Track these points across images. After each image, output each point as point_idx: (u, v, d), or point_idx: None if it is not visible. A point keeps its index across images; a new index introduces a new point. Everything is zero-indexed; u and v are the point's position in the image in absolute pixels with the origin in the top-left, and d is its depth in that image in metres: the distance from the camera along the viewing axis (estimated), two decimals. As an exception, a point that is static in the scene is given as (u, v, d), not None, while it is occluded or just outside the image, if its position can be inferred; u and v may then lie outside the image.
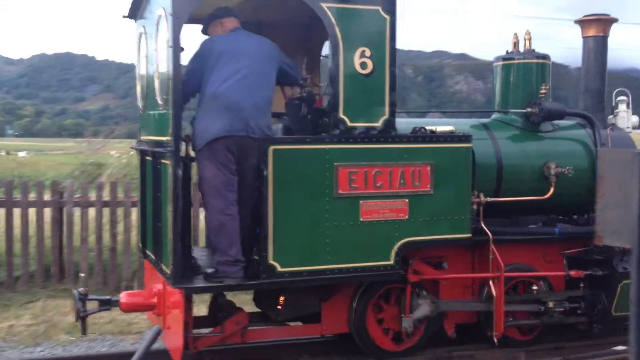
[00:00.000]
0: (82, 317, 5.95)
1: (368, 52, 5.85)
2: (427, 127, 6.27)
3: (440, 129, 6.27)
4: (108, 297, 6.17)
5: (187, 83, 5.58)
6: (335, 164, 5.76)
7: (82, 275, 8.17)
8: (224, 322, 6.07)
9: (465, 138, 6.26)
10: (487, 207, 6.76)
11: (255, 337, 6.40)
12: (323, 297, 6.45)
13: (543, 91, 7.04)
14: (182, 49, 5.51)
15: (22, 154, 45.43)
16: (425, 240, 6.14)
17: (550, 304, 6.79)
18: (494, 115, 7.44)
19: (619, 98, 7.75)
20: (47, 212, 9.71)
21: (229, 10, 5.93)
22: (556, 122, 7.34)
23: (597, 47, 7.57)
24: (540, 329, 7.04)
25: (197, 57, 5.68)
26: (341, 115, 5.81)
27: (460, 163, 6.22)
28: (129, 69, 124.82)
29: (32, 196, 9.67)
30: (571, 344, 7.07)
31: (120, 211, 9.72)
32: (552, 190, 6.91)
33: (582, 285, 7.03)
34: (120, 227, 9.72)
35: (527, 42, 7.31)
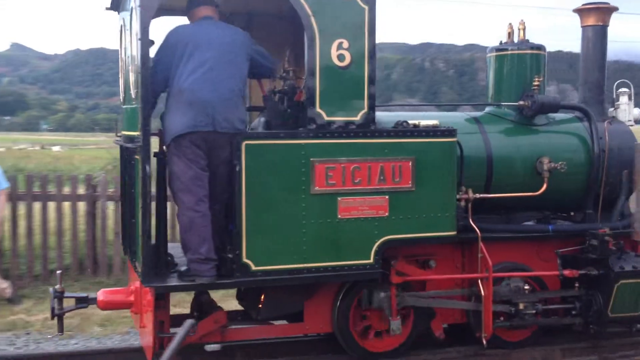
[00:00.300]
0: (57, 315, 5.86)
1: (346, 44, 5.67)
2: (410, 121, 6.07)
3: (424, 122, 6.05)
4: (85, 294, 6.07)
5: (155, 76, 5.44)
6: (311, 159, 5.59)
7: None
8: (201, 321, 5.95)
9: (450, 132, 6.04)
10: (478, 204, 6.55)
11: (235, 336, 6.25)
12: (305, 296, 6.29)
13: (536, 83, 6.78)
14: (152, 42, 5.39)
15: (56, 148, 46.04)
16: (407, 239, 5.94)
17: (521, 306, 6.55)
18: (487, 109, 7.20)
19: (620, 90, 7.46)
20: (81, 206, 9.95)
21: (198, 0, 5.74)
22: (552, 115, 7.09)
23: (596, 37, 7.28)
24: (532, 330, 6.82)
25: (162, 49, 5.51)
26: (318, 109, 5.64)
27: (444, 158, 6.00)
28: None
29: (66, 190, 9.93)
30: (607, 342, 6.98)
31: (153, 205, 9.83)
32: (545, 186, 6.66)
33: (577, 285, 6.78)
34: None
35: (522, 32, 7.06)
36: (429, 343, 6.64)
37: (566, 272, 6.64)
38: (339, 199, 5.69)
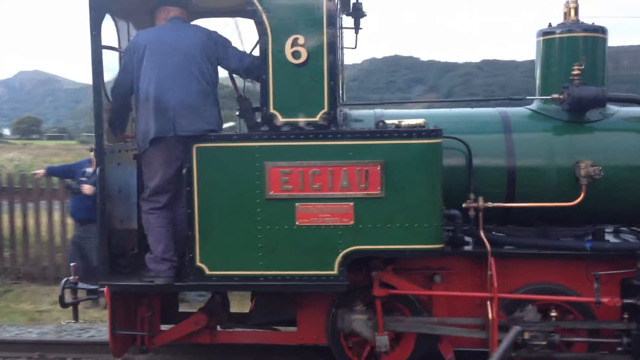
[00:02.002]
0: (71, 304, 6.26)
1: (302, 40, 5.29)
2: (389, 121, 5.47)
3: (406, 122, 5.41)
4: (96, 286, 6.44)
5: (121, 81, 5.58)
6: (265, 163, 5.33)
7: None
8: (181, 322, 6.02)
9: (431, 133, 5.33)
10: (501, 215, 5.74)
11: (224, 339, 6.23)
12: (297, 305, 6.03)
13: (576, 72, 5.68)
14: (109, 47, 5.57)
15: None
16: (377, 250, 5.38)
17: (526, 335, 5.51)
18: (534, 103, 6.20)
19: None
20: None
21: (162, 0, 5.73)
22: (613, 110, 5.91)
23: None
24: None
25: (125, 55, 5.60)
26: (271, 110, 5.35)
27: (423, 161, 5.31)
28: (452, 68, 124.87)
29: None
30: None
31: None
32: (582, 195, 5.58)
33: (626, 316, 5.57)
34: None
35: (572, 12, 5.97)
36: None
37: (605, 300, 5.49)
38: (296, 204, 5.35)
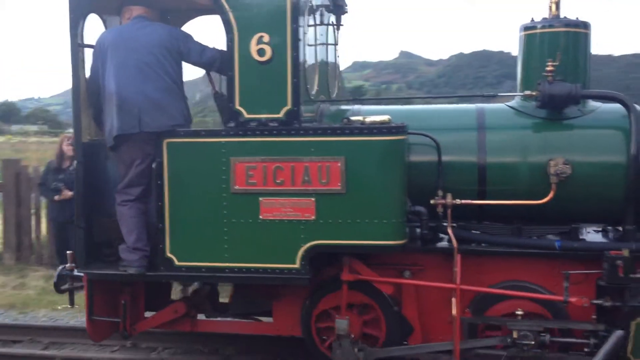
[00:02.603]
0: (68, 290, 6.54)
1: (266, 38, 5.40)
2: (353, 117, 5.53)
3: (371, 118, 5.45)
4: None
5: (90, 79, 5.82)
6: (231, 158, 5.47)
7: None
8: (161, 310, 6.25)
9: (394, 129, 5.35)
10: (472, 212, 5.72)
11: (204, 327, 6.45)
12: (274, 296, 6.16)
13: (549, 68, 5.57)
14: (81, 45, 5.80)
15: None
16: (338, 245, 5.44)
17: (515, 334, 5.44)
18: (515, 100, 6.11)
19: None
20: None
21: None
22: (592, 106, 5.80)
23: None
24: None
25: (93, 53, 5.81)
26: (237, 106, 5.49)
27: (386, 158, 5.33)
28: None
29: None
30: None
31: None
32: (552, 193, 5.49)
33: (594, 317, 5.47)
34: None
35: (554, 7, 5.85)
36: None
37: (572, 300, 5.40)
38: (260, 199, 5.47)
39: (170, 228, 5.61)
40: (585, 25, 5.87)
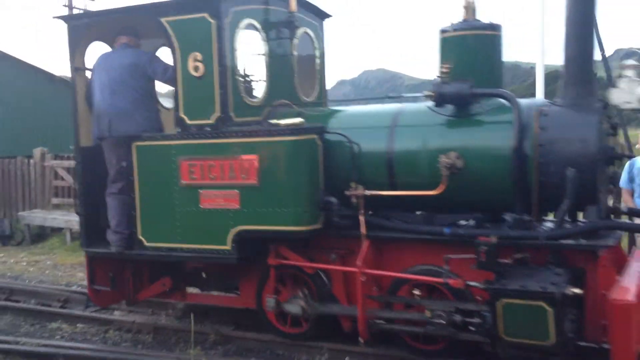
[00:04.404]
0: None
1: (199, 56, 6.49)
2: (272, 121, 6.42)
3: (285, 121, 6.32)
4: None
5: (87, 94, 7.26)
6: (178, 157, 6.63)
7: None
8: (154, 283, 7.56)
9: (296, 131, 6.18)
10: (380, 202, 6.37)
11: (191, 299, 7.72)
12: (241, 274, 7.21)
13: (444, 70, 6.06)
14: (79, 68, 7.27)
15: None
16: (257, 230, 6.37)
17: (428, 313, 6.05)
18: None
19: (624, 62, 5.88)
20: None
21: (121, 30, 7.18)
22: (491, 104, 6.16)
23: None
24: (446, 341, 6.21)
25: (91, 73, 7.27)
26: (181, 114, 6.64)
27: (291, 155, 6.19)
28: None
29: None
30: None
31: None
32: (443, 185, 5.98)
33: (479, 298, 5.90)
34: None
35: (465, 11, 6.28)
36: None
37: (451, 281, 5.90)
38: (200, 191, 6.57)
39: (140, 215, 6.90)
40: (495, 28, 6.23)
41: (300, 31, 7.43)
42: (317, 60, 7.85)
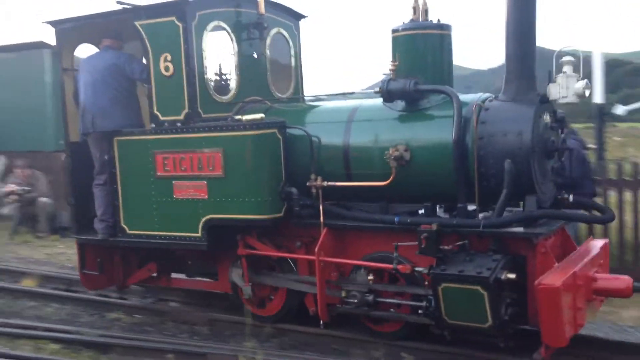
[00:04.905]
0: None
1: (169, 57, 6.95)
2: (237, 116, 6.85)
3: (247, 117, 6.75)
4: None
5: (74, 94, 7.79)
6: (154, 151, 7.12)
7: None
8: (140, 269, 8.10)
9: (255, 125, 6.60)
10: (344, 191, 6.75)
11: (175, 284, 8.22)
12: (217, 261, 7.68)
13: (391, 67, 6.40)
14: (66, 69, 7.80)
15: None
16: (223, 219, 6.84)
17: (343, 293, 6.51)
18: None
19: (562, 59, 6.14)
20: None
21: (104, 33, 7.65)
22: (437, 99, 6.48)
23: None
24: (400, 324, 6.62)
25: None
26: (155, 111, 7.13)
27: (253, 148, 6.63)
28: None
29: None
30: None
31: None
32: (392, 176, 6.35)
33: (426, 283, 6.25)
34: None
35: (414, 12, 6.59)
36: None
37: (399, 267, 6.27)
38: (173, 182, 7.06)
39: (122, 205, 7.43)
40: (443, 27, 6.55)
41: (273, 31, 7.84)
42: (293, 59, 8.25)
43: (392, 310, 6.58)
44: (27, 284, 9.44)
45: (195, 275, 8.16)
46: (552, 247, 6.16)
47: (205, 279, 8.15)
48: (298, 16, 8.28)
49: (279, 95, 8.00)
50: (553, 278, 5.58)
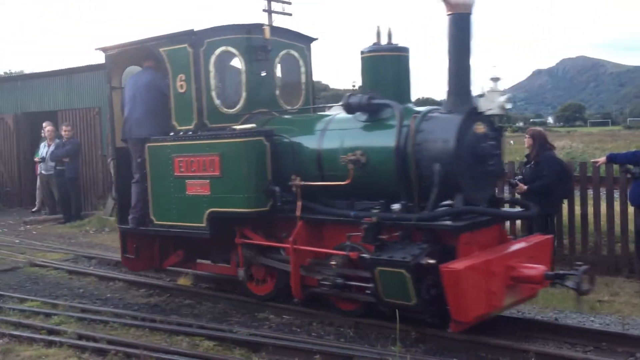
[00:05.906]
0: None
1: (183, 77, 8.45)
2: (234, 126, 8.22)
3: (240, 127, 8.12)
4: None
5: (122, 106, 9.43)
6: (172, 155, 8.63)
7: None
8: (170, 255, 9.62)
9: (242, 134, 7.95)
10: (318, 190, 7.95)
11: (200, 268, 9.66)
12: (230, 248, 9.05)
13: (353, 85, 7.56)
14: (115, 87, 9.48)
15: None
16: (221, 212, 8.21)
17: (320, 277, 7.60)
18: None
19: (492, 76, 7.08)
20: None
21: (146, 55, 9.22)
22: (391, 112, 7.52)
23: (458, 24, 7.14)
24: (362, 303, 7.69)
25: None
26: (173, 122, 8.63)
27: (243, 154, 7.96)
28: None
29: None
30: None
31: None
32: (349, 178, 7.47)
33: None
34: None
35: (377, 36, 7.68)
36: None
37: (350, 254, 7.37)
38: (186, 181, 8.52)
39: (152, 199, 8.98)
40: (401, 50, 7.62)
41: (282, 52, 9.19)
42: (303, 75, 9.55)
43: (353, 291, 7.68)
44: (183, 282, 9.86)
45: (217, 262, 9.56)
46: (481, 240, 7.07)
47: (225, 265, 9.55)
48: (309, 39, 9.58)
49: (287, 107, 9.30)
50: (459, 263, 6.53)
